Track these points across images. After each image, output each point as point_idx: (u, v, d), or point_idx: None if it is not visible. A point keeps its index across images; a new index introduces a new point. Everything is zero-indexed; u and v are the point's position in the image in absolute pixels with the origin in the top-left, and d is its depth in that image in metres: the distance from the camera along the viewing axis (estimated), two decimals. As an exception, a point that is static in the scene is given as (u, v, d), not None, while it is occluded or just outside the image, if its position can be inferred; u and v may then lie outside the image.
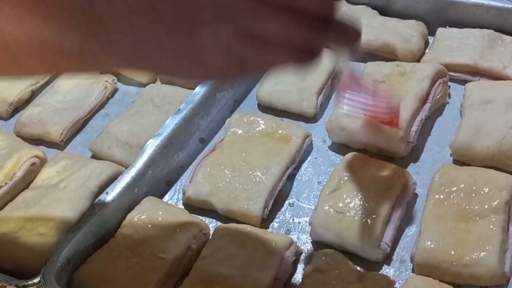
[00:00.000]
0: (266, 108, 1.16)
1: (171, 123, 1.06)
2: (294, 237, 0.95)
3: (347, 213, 0.91)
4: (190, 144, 1.10)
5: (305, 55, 0.60)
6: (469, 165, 0.98)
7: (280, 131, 1.06)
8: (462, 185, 0.92)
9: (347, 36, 0.61)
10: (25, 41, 0.60)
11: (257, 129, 1.07)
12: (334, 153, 1.07)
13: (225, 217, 0.98)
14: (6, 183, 1.04)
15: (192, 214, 0.97)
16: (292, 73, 0.63)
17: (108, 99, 1.25)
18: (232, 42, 0.57)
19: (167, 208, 0.97)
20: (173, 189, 1.05)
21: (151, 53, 0.59)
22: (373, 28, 1.22)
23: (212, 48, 0.57)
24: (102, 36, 0.59)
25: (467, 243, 0.85)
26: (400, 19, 1.23)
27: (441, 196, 0.91)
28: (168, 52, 0.58)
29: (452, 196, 0.91)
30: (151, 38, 0.58)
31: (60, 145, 1.17)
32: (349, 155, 1.00)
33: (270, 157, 1.01)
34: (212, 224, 0.98)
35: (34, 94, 1.29)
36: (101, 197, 0.96)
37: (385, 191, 0.93)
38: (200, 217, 0.97)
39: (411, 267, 0.89)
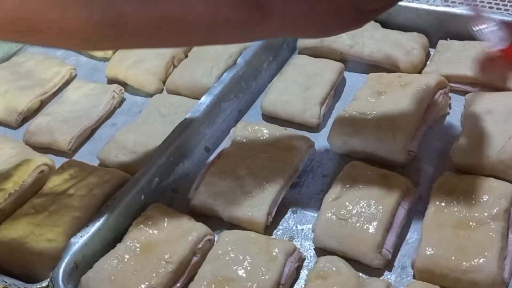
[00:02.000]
0: (270, 118, 1.18)
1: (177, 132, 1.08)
2: (297, 243, 0.97)
3: (349, 220, 0.93)
4: (195, 152, 1.11)
5: None
6: (469, 174, 0.99)
7: (283, 140, 1.07)
8: (462, 193, 0.93)
9: None
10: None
11: (261, 138, 1.08)
12: (336, 162, 1.09)
13: (229, 224, 1.00)
14: (15, 190, 1.06)
15: (197, 221, 0.98)
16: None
17: (115, 108, 1.28)
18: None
19: (173, 215, 0.98)
20: (178, 197, 1.07)
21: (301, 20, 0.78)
22: (375, 40, 1.23)
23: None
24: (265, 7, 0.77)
25: (467, 250, 0.87)
26: (402, 31, 1.25)
27: (442, 204, 0.93)
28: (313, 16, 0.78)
29: (452, 204, 0.92)
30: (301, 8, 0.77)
31: (68, 154, 1.19)
32: (351, 164, 1.02)
33: (274, 165, 1.03)
34: (216, 231, 1.00)
35: (43, 104, 1.31)
36: (108, 203, 0.98)
37: (387, 198, 0.94)
38: (205, 223, 0.99)
39: (412, 273, 0.90)
